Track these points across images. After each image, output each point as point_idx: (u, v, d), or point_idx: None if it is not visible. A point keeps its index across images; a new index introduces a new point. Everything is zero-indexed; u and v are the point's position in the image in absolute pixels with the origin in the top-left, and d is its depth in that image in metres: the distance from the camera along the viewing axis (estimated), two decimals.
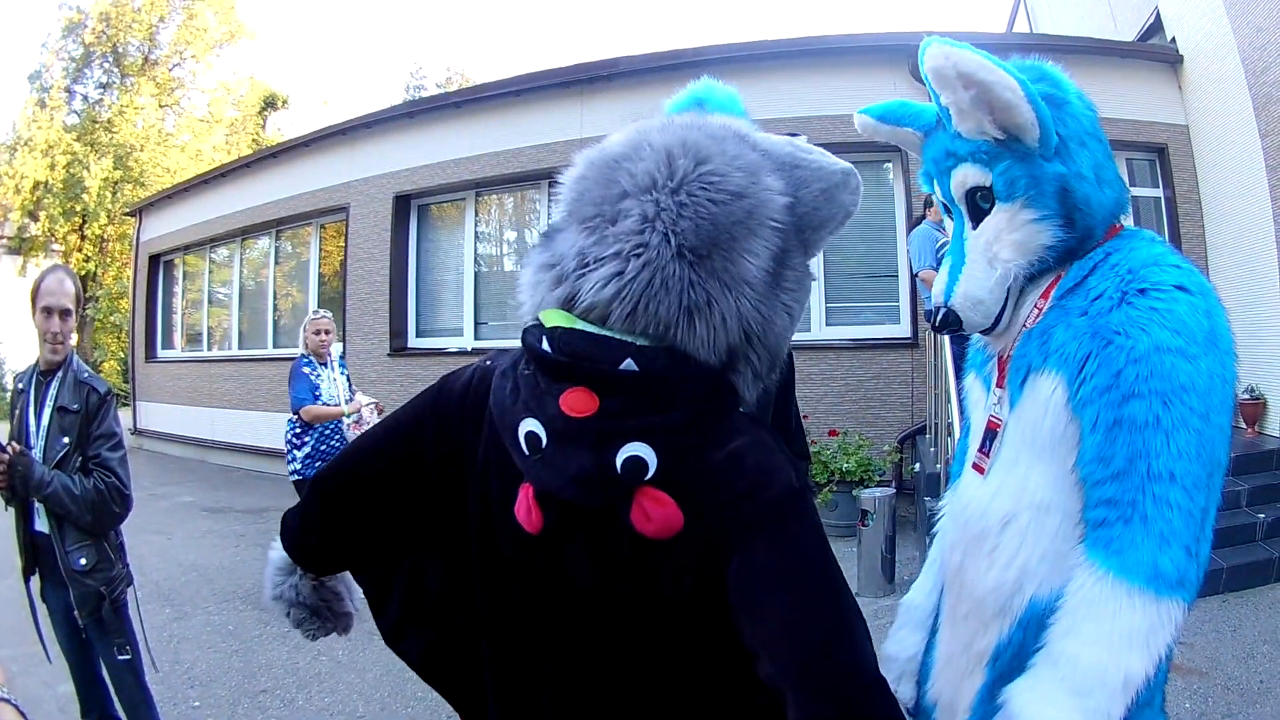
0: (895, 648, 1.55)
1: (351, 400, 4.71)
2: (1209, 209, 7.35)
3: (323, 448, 4.61)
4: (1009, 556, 1.27)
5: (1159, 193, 7.59)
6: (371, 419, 4.58)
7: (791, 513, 0.89)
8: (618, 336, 0.89)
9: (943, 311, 1.34)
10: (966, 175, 1.29)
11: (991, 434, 1.37)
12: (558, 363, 0.90)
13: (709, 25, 58.33)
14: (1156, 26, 8.20)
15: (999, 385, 1.37)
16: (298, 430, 4.61)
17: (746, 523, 0.86)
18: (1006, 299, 1.31)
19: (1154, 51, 7.87)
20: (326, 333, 4.74)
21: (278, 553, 1.26)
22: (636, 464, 0.85)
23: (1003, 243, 1.28)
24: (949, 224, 1.41)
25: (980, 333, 1.38)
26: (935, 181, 1.37)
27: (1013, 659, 1.24)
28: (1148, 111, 7.44)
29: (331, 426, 4.62)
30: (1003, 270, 1.29)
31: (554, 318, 0.93)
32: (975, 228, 1.32)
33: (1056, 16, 10.18)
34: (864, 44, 7.09)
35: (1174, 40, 7.77)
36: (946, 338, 5.40)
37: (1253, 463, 5.75)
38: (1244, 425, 6.45)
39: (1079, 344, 1.21)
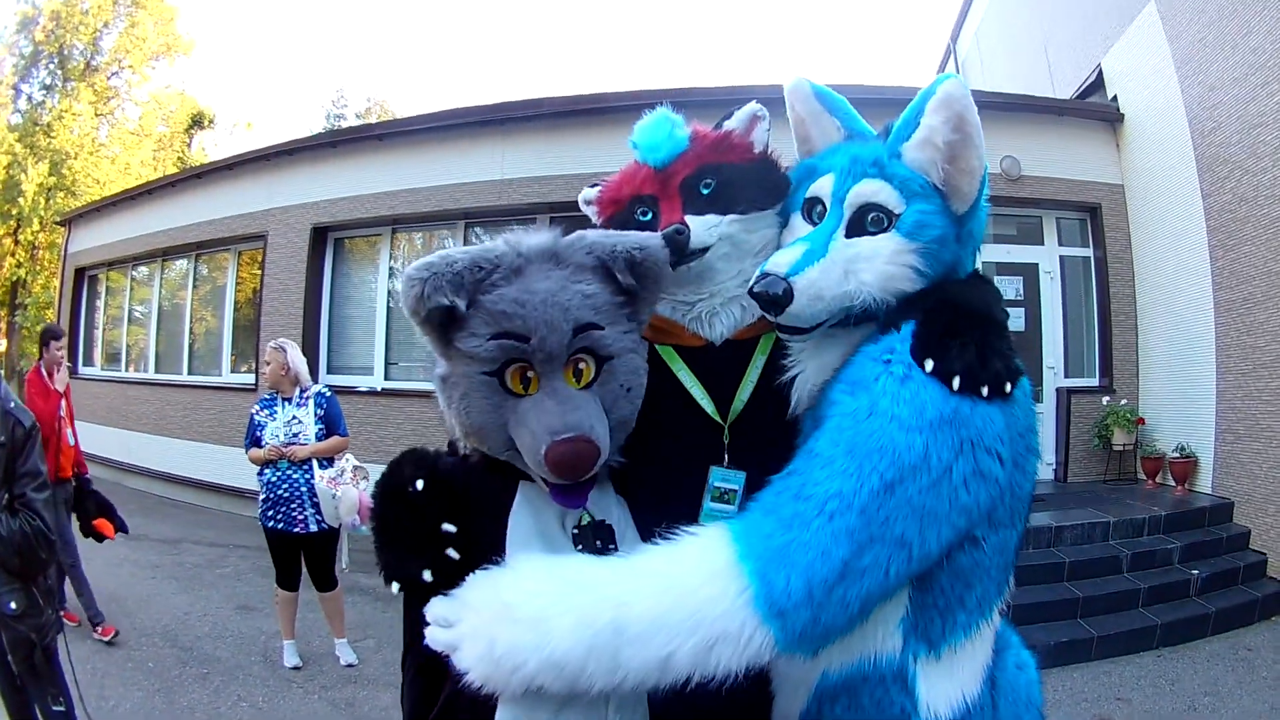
0: None
1: (291, 443, 4.22)
2: (1140, 269, 7.36)
3: (270, 496, 4.23)
4: None
5: (1089, 253, 7.59)
6: (346, 483, 4.03)
7: None
8: None
9: (779, 283, 1.19)
10: (879, 191, 1.23)
11: None
12: None
13: (632, 71, 59.28)
14: (1097, 85, 8.19)
15: None
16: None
17: None
18: (832, 319, 1.25)
19: (1093, 109, 7.86)
20: (267, 364, 4.39)
21: None
22: None
23: (872, 266, 1.22)
24: (801, 224, 1.34)
25: (786, 330, 1.28)
26: (833, 176, 1.29)
27: None
28: (1083, 170, 7.42)
29: (278, 474, 4.21)
30: (854, 287, 1.21)
31: None
32: (849, 238, 1.25)
33: (990, 71, 10.16)
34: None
35: (1115, 98, 7.75)
36: None
37: (1184, 520, 5.87)
38: (1174, 482, 6.59)
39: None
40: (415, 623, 1.22)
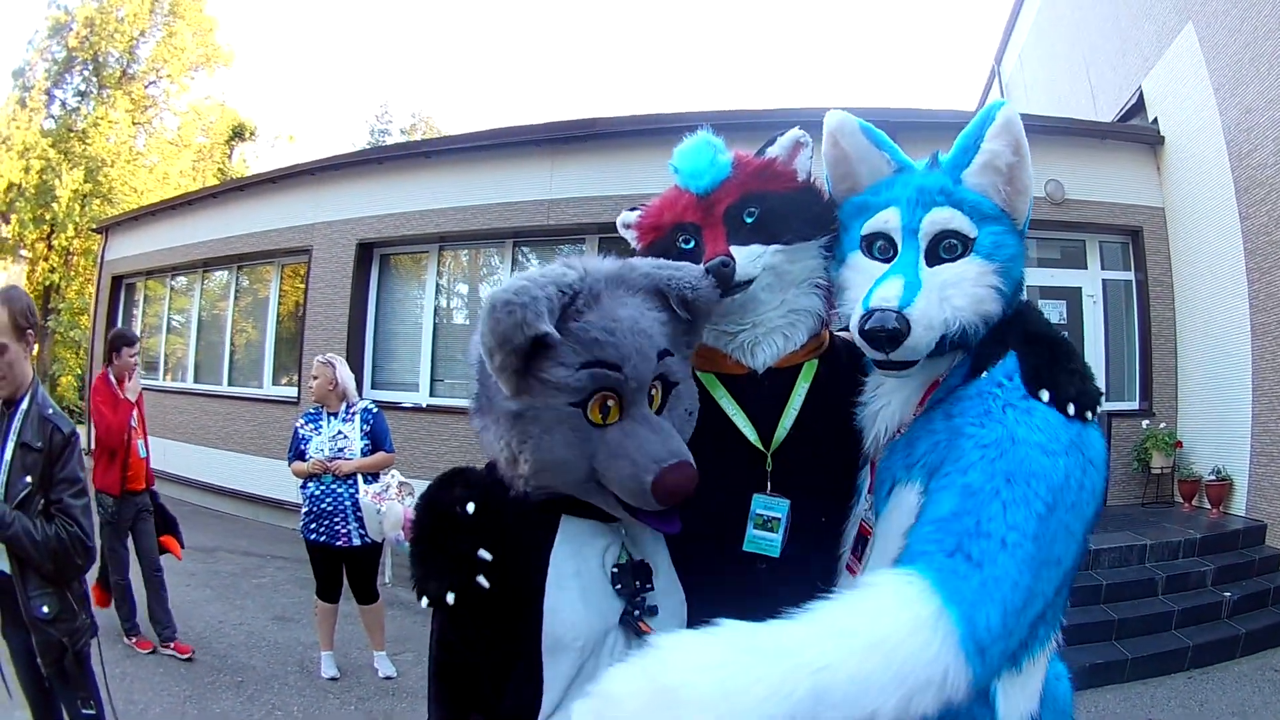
0: None
1: (335, 458, 4.22)
2: (1180, 293, 7.36)
3: (314, 509, 4.24)
4: None
5: (1130, 276, 7.57)
6: (391, 498, 4.03)
7: None
8: None
9: (895, 317, 1.19)
10: (951, 218, 1.26)
11: (864, 539, 1.36)
12: None
13: (681, 92, 58.69)
14: (1138, 107, 8.19)
15: (870, 491, 1.36)
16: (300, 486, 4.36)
17: None
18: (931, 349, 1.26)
19: (1134, 132, 7.86)
20: (314, 378, 4.38)
21: None
22: None
23: (962, 290, 1.24)
24: (865, 261, 1.34)
25: (890, 366, 1.26)
26: (898, 209, 1.30)
27: None
28: (1124, 194, 7.41)
29: (322, 488, 4.22)
30: (951, 314, 1.23)
31: None
32: (930, 267, 1.28)
33: (1034, 95, 10.17)
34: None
35: (1156, 121, 7.76)
36: None
37: (1219, 543, 5.91)
38: (1209, 505, 6.61)
39: (936, 449, 1.21)
40: (441, 634, 1.26)
